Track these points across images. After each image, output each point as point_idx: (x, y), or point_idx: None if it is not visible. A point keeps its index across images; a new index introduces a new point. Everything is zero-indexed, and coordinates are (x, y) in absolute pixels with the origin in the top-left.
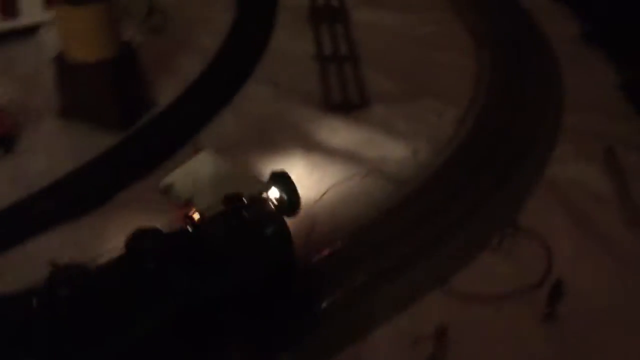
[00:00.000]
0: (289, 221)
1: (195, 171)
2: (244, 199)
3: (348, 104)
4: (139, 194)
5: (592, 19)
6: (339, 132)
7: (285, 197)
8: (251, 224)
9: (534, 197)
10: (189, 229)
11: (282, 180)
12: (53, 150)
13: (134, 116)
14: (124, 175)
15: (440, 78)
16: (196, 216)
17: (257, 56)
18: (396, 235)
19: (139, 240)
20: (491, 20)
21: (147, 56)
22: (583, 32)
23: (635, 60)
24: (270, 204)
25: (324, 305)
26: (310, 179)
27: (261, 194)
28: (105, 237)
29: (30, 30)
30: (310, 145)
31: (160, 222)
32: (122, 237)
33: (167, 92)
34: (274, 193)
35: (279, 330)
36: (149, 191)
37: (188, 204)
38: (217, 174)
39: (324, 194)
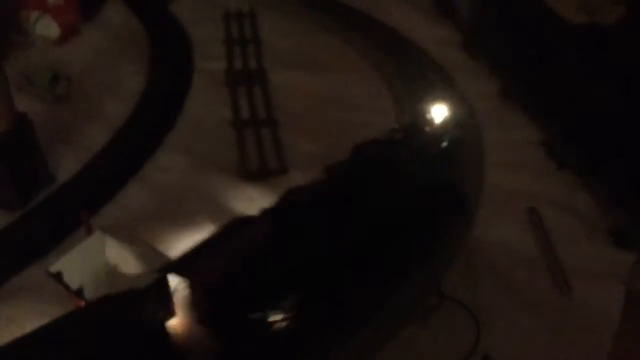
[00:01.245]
0: None
1: (87, 256)
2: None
3: (265, 170)
4: (29, 281)
5: (509, 75)
6: (255, 201)
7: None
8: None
9: (458, 262)
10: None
11: None
12: None
13: (29, 194)
14: (14, 261)
15: (358, 139)
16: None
17: (170, 123)
18: None
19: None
20: (410, 79)
21: (48, 127)
22: (500, 89)
23: (554, 116)
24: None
25: None
26: None
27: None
28: None
29: None
30: (224, 217)
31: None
32: (14, 329)
33: (69, 166)
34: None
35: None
36: (42, 277)
37: (78, 293)
38: (113, 256)
39: None
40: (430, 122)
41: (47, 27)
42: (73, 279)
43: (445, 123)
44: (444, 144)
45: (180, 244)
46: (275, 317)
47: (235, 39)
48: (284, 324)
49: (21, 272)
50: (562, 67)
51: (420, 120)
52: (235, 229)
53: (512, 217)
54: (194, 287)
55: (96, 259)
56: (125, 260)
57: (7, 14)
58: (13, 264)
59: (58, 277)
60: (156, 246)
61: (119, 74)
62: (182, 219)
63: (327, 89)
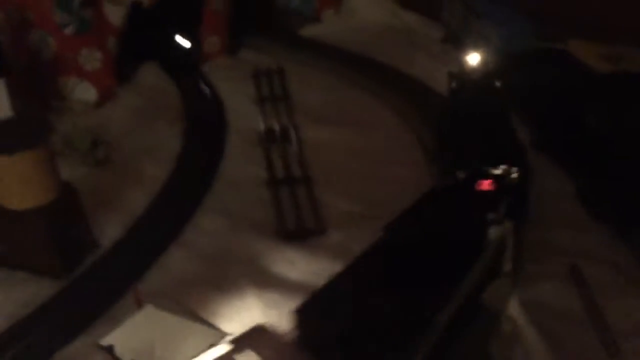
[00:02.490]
0: None
1: (138, 329)
2: None
3: (303, 231)
4: (80, 353)
5: (540, 127)
6: (296, 264)
7: None
8: None
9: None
10: None
11: None
12: None
13: (74, 262)
14: (62, 331)
15: (395, 195)
16: None
17: (207, 184)
18: None
19: None
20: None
21: (90, 191)
22: (532, 140)
23: (587, 167)
24: None
25: None
26: (267, 317)
27: None
28: None
29: None
30: (265, 281)
31: None
32: None
33: (111, 231)
34: None
35: None
36: (91, 349)
37: None
38: (163, 330)
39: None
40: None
41: (85, 92)
42: (125, 353)
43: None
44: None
45: (225, 310)
46: None
47: (265, 97)
48: None
49: (70, 343)
50: (590, 116)
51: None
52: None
53: (553, 274)
54: None
55: (148, 333)
56: (178, 335)
57: (46, 80)
58: (61, 334)
59: (110, 350)
60: (202, 314)
61: (156, 136)
62: (225, 284)
63: (359, 144)
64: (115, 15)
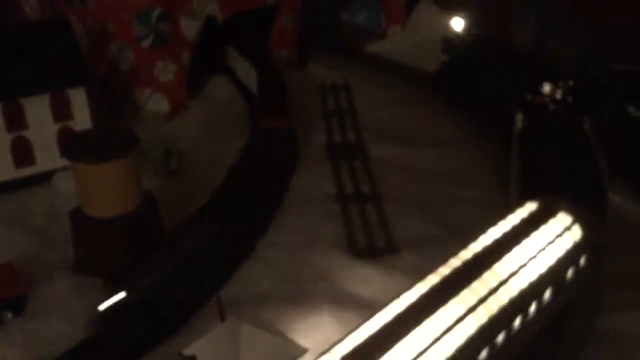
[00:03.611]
0: None
1: (221, 341)
2: None
3: (375, 249)
4: None
5: (618, 154)
6: (369, 282)
7: None
8: None
9: (587, 353)
10: None
11: None
12: (67, 312)
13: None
14: (143, 339)
15: (468, 217)
16: None
17: (279, 198)
18: None
19: None
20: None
21: (164, 201)
22: (611, 167)
23: None
24: None
25: None
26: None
27: None
28: None
29: (44, 176)
30: (341, 298)
31: None
32: None
33: None
34: None
35: None
36: (172, 359)
37: None
38: (246, 342)
39: None
40: None
41: (158, 103)
42: None
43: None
44: None
45: (302, 326)
46: None
47: (332, 111)
48: None
49: (151, 352)
50: None
51: None
52: None
53: (634, 303)
54: None
55: (230, 346)
56: (260, 348)
57: (121, 90)
58: (143, 343)
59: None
60: (280, 328)
61: (226, 148)
62: (299, 300)
63: (425, 162)
64: (190, 29)
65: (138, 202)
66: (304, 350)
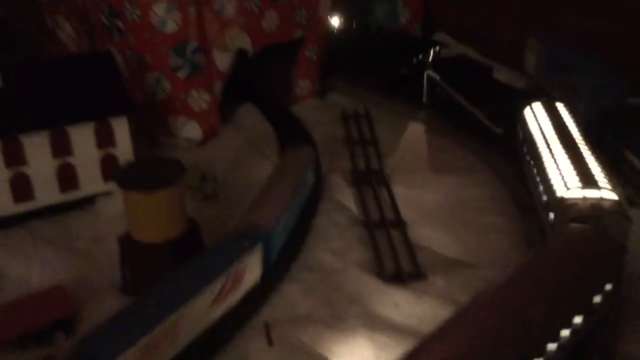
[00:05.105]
0: None
1: None
2: None
3: (403, 275)
4: None
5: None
6: (401, 307)
7: None
8: None
9: None
10: None
11: None
12: None
13: None
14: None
15: (492, 244)
16: None
17: (309, 222)
18: None
19: None
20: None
21: (202, 224)
22: (626, 197)
23: None
24: None
25: None
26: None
27: None
28: None
29: (87, 200)
30: (374, 322)
31: None
32: None
33: None
34: None
35: None
36: None
37: None
38: None
39: None
40: None
41: (191, 130)
42: None
43: None
44: None
45: (339, 348)
46: None
47: (355, 139)
48: None
49: None
50: None
51: None
52: None
53: None
54: None
55: None
56: None
57: (157, 119)
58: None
59: None
60: (320, 351)
61: (257, 172)
62: (334, 322)
63: (448, 191)
64: (222, 61)
65: (183, 228)
66: None
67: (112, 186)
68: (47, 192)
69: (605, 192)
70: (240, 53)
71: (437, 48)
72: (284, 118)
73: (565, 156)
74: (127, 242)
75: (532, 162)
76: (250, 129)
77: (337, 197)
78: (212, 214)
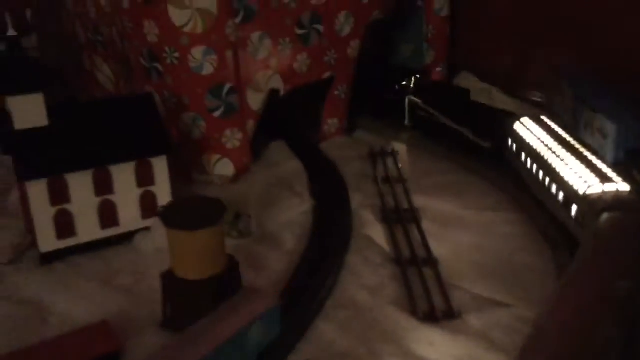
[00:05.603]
0: None
1: None
2: None
3: (436, 314)
4: None
5: None
6: (437, 347)
7: None
8: None
9: None
10: None
11: None
12: None
13: None
14: None
15: (524, 282)
16: None
17: (342, 259)
18: None
19: None
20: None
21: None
22: None
23: None
24: None
25: None
26: None
27: None
28: None
29: (126, 237)
30: None
31: None
32: None
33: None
34: None
35: None
36: None
37: None
38: None
39: None
40: None
41: (224, 167)
42: None
43: None
44: None
45: None
46: None
47: (383, 177)
48: None
49: None
50: None
51: None
52: None
53: None
54: None
55: None
56: None
57: (192, 156)
58: None
59: None
60: None
61: (289, 210)
62: (372, 359)
63: (477, 229)
64: (255, 101)
65: (224, 266)
66: None
67: (150, 223)
68: (88, 229)
69: (621, 185)
70: (272, 92)
71: (418, 76)
72: (314, 156)
73: (573, 158)
74: (169, 279)
75: (537, 168)
76: (280, 166)
77: (368, 234)
78: (248, 252)
